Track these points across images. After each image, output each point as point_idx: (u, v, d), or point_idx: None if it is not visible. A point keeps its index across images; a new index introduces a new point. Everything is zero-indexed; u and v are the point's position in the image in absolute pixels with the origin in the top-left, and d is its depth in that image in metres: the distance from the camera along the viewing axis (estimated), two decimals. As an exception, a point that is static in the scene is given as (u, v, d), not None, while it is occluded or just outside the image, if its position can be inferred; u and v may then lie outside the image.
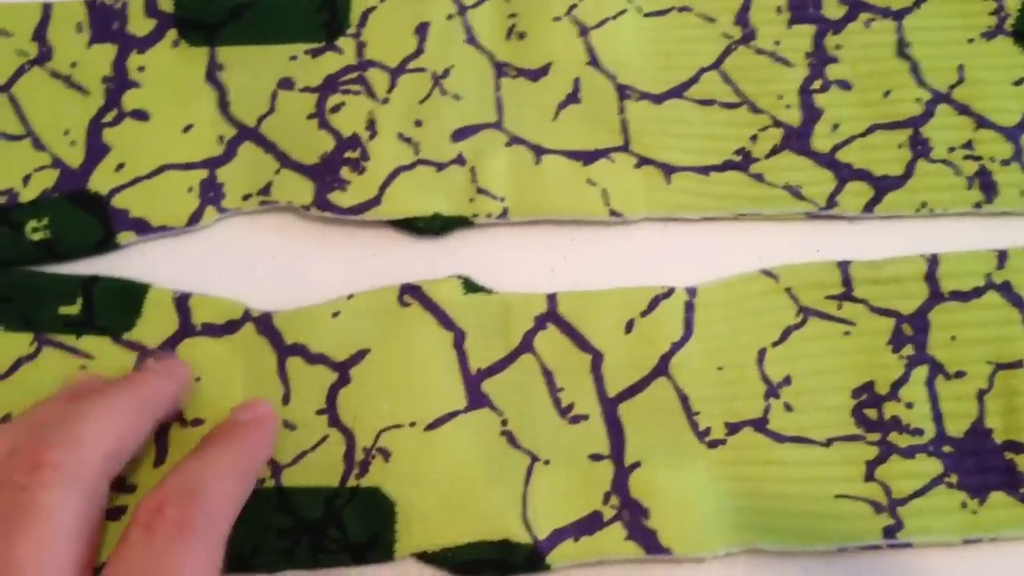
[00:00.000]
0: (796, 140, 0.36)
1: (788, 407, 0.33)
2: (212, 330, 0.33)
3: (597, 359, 0.33)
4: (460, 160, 0.36)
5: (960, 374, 0.33)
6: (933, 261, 0.34)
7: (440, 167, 0.36)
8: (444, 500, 0.32)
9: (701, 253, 0.36)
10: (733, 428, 0.33)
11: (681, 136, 0.36)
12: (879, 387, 0.33)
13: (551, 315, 0.34)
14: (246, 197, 0.35)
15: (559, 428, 0.33)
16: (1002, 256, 0.34)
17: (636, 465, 0.32)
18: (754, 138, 0.36)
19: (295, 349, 0.33)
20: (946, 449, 0.32)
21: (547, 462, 0.32)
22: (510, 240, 0.36)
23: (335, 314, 0.34)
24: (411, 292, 0.34)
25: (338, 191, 0.35)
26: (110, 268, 0.35)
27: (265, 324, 0.33)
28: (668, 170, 0.36)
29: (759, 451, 0.32)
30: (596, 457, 0.32)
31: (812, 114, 0.36)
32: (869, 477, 0.32)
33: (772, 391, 0.33)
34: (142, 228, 0.35)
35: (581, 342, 0.34)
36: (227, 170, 0.35)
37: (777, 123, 0.36)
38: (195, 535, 0.24)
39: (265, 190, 0.35)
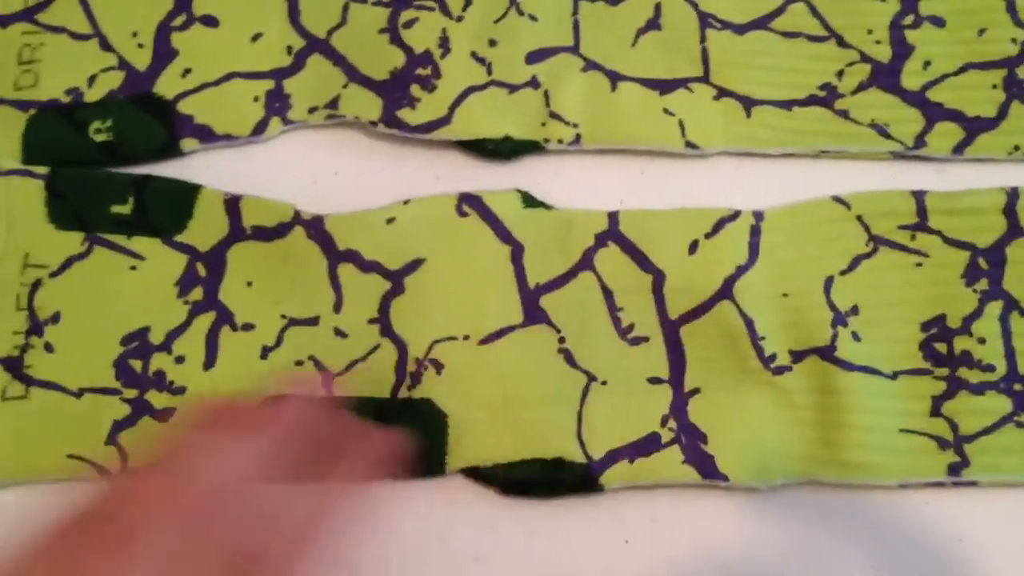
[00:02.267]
0: (885, 77, 0.34)
1: (856, 336, 0.31)
2: (262, 233, 0.32)
3: (659, 279, 0.32)
4: (534, 83, 0.35)
5: None
6: (1013, 194, 0.33)
7: (513, 89, 0.34)
8: (498, 416, 0.31)
9: (778, 191, 0.34)
10: (799, 356, 0.31)
11: (764, 68, 0.35)
12: (950, 321, 0.32)
13: (612, 233, 0.33)
14: (312, 110, 0.34)
15: (618, 349, 0.32)
16: None
17: (696, 390, 0.31)
18: (840, 73, 0.35)
19: (348, 255, 0.32)
20: (1017, 387, 0.31)
21: (604, 383, 0.31)
22: (579, 169, 0.35)
23: (390, 220, 0.32)
24: (470, 201, 0.33)
25: (407, 108, 0.34)
26: (172, 175, 0.34)
27: (316, 228, 0.32)
28: (748, 103, 0.34)
29: (825, 379, 0.31)
30: (655, 380, 0.31)
31: (903, 50, 0.35)
32: (935, 412, 0.31)
33: (839, 319, 0.32)
34: (206, 135, 0.34)
35: (643, 261, 0.32)
36: (294, 81, 0.35)
37: (865, 58, 0.35)
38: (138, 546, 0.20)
39: (332, 104, 0.34)
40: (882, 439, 0.30)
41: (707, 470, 0.30)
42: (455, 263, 0.32)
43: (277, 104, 0.34)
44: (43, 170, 0.33)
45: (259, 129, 0.34)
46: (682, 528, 0.31)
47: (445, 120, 0.34)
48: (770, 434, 0.31)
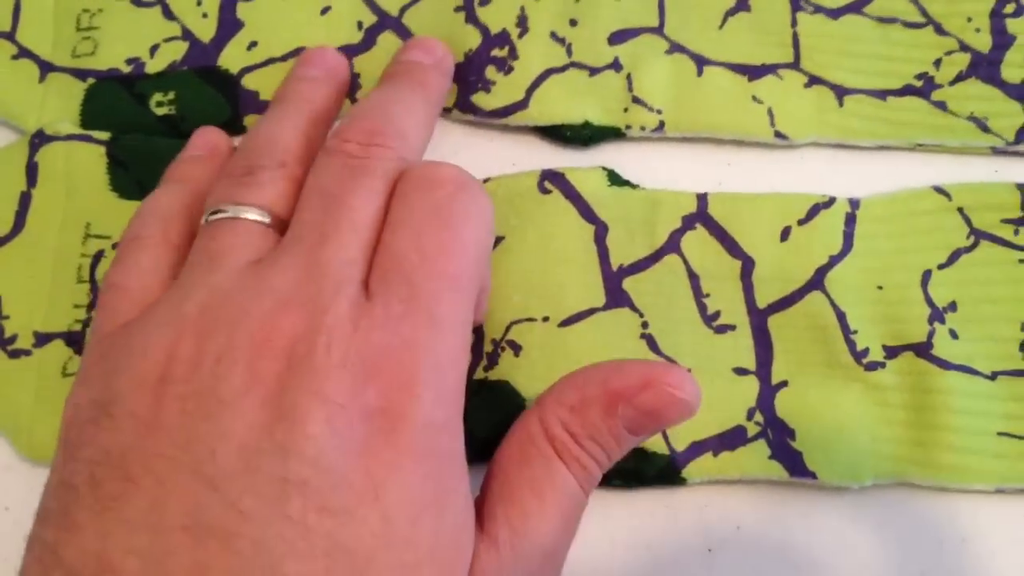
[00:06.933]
0: (984, 67, 0.33)
1: (953, 334, 0.30)
2: None
3: (748, 266, 0.31)
4: (616, 65, 0.33)
5: None
6: None
7: (593, 71, 0.33)
8: None
9: (872, 185, 0.32)
10: (893, 352, 0.30)
11: (858, 56, 0.33)
12: None
13: (701, 215, 0.31)
14: (383, 90, 0.33)
15: (703, 336, 0.30)
16: None
17: (784, 383, 0.30)
18: (938, 62, 0.33)
19: None
20: None
21: (688, 371, 0.29)
22: (662, 158, 0.33)
23: None
24: (552, 179, 0.31)
25: (482, 92, 0.32)
26: (235, 153, 0.32)
27: None
28: (841, 91, 0.33)
29: (921, 377, 0.29)
30: (741, 371, 0.30)
31: (1003, 40, 0.33)
32: None
33: (937, 315, 0.30)
34: (271, 113, 0.32)
35: (731, 246, 0.31)
36: (364, 60, 0.33)
37: (964, 47, 0.33)
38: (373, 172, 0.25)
39: (404, 83, 0.33)
40: (979, 442, 0.29)
41: (795, 467, 0.29)
42: (535, 242, 0.31)
43: (346, 82, 0.33)
44: (104, 136, 0.31)
45: (327, 108, 0.32)
46: (769, 537, 0.29)
47: (522, 104, 0.32)
48: (861, 432, 0.29)
